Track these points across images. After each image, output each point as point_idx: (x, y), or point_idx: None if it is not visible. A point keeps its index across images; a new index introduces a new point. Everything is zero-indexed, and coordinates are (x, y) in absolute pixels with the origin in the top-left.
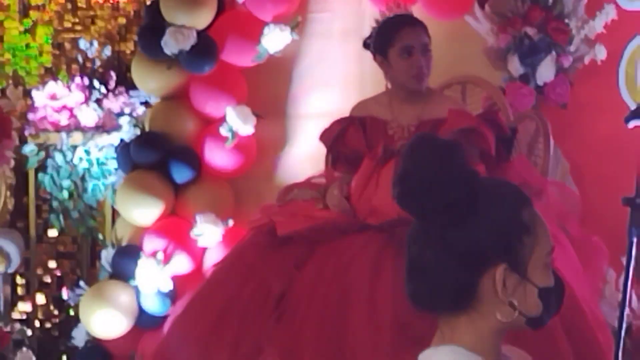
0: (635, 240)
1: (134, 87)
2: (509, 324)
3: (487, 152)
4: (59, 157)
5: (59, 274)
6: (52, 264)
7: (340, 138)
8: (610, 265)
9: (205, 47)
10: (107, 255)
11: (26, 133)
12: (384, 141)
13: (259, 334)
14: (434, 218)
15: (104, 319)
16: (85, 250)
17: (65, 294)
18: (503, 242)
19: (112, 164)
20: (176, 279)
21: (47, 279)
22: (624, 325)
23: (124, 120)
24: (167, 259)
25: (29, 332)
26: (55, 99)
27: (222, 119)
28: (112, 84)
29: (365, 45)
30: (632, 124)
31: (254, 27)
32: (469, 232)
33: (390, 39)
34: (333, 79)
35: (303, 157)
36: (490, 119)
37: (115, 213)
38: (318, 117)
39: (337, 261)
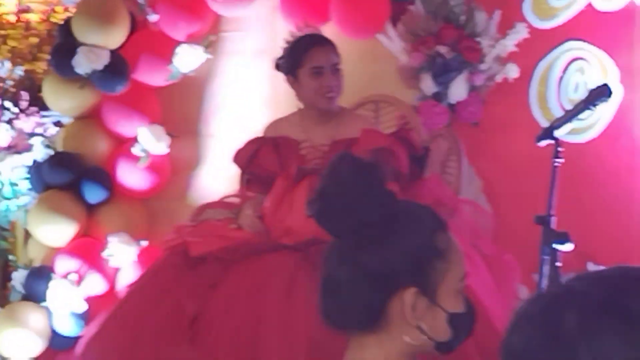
0: (546, 257)
1: (46, 107)
2: (417, 347)
3: (400, 171)
4: None
5: None
6: None
7: (254, 159)
8: (523, 283)
9: (118, 67)
10: (19, 276)
11: None
12: (297, 161)
13: (173, 354)
14: (349, 237)
15: (16, 340)
16: None
17: None
18: (414, 266)
19: (24, 185)
20: (90, 300)
21: None
22: None
23: (36, 141)
24: (80, 280)
25: None
26: None
27: (135, 139)
28: (24, 104)
29: (277, 66)
30: (543, 143)
31: (167, 46)
32: (381, 254)
33: (300, 60)
34: (246, 98)
35: (217, 176)
36: (402, 138)
37: (27, 234)
38: (232, 136)
39: (251, 281)
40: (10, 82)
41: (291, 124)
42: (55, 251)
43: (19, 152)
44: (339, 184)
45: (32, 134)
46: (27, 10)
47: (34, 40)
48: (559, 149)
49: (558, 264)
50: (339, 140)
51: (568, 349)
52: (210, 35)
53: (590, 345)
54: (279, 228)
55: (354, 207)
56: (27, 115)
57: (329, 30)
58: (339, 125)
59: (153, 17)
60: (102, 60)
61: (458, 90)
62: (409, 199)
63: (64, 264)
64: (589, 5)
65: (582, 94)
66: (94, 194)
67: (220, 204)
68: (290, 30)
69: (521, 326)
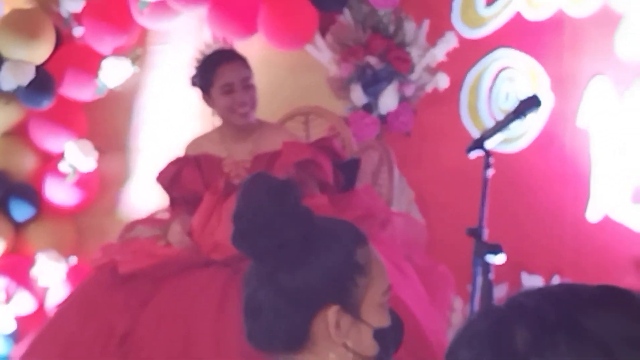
0: (479, 269)
1: None
2: None
3: (325, 181)
4: None
5: None
6: None
7: (177, 179)
8: (457, 294)
9: (43, 82)
10: None
11: None
12: (220, 179)
13: None
14: (266, 259)
15: None
16: None
17: None
18: (335, 283)
19: None
20: (19, 320)
21: None
22: None
23: None
24: (8, 299)
25: None
26: None
27: (63, 155)
28: None
29: (193, 83)
30: (473, 154)
31: (93, 60)
32: (301, 274)
33: (210, 78)
34: (174, 112)
35: (146, 191)
36: (324, 147)
37: None
38: (160, 151)
39: (182, 298)
40: None
41: (212, 141)
42: None
43: None
44: (253, 206)
45: None
46: None
47: None
48: (490, 160)
49: (491, 275)
50: (260, 154)
51: None
52: (137, 49)
53: None
54: (208, 243)
55: (269, 229)
56: None
57: (257, 42)
58: (260, 140)
59: (78, 31)
60: (27, 76)
61: (388, 100)
62: (331, 215)
63: None
64: (518, 14)
65: (512, 103)
66: (21, 211)
67: (150, 220)
68: (198, 48)
69: (470, 342)
